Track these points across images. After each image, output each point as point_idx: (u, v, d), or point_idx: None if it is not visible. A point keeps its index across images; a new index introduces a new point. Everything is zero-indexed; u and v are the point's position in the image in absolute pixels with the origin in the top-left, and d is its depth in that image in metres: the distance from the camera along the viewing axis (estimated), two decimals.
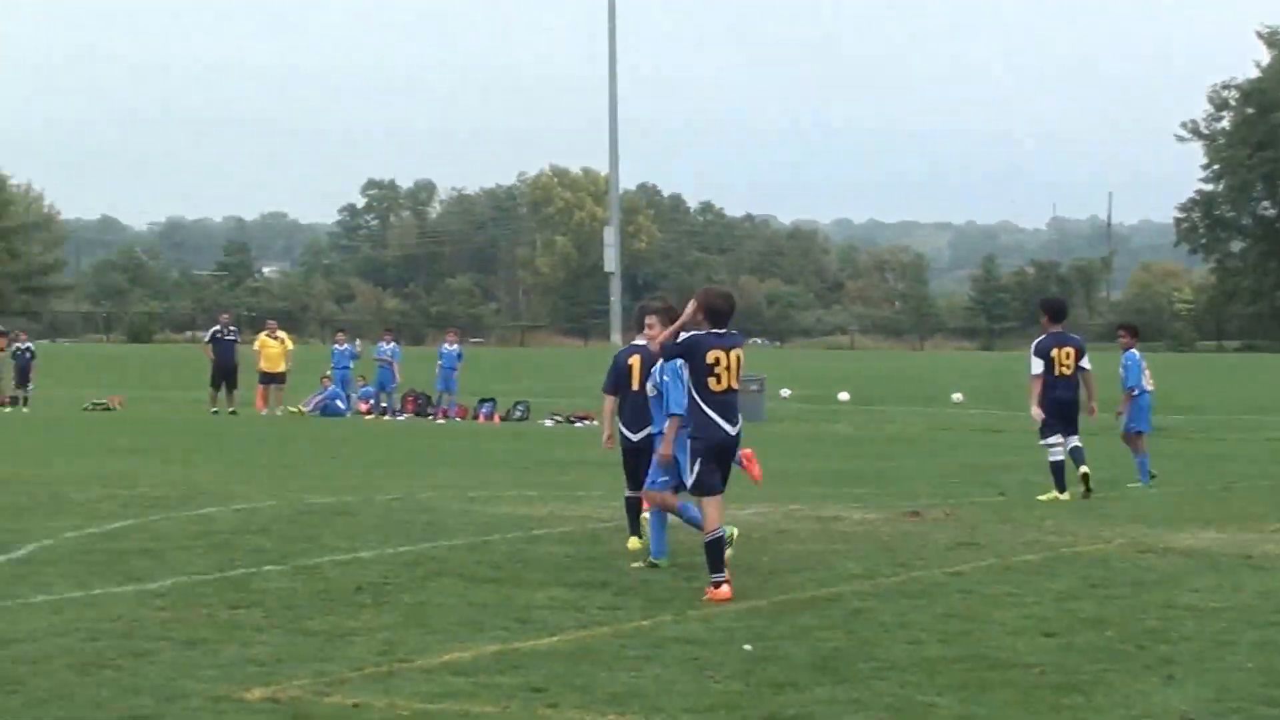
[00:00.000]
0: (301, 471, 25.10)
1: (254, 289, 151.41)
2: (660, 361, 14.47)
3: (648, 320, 15.24)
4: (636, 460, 15.31)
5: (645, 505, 15.05)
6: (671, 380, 14.34)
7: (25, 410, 42.41)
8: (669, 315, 14.73)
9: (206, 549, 15.85)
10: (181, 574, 14.24)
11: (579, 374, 58.59)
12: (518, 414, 43.28)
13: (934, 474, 26.28)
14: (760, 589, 13.81)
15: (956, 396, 49.18)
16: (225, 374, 42.68)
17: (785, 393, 50.22)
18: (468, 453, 29.92)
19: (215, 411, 41.93)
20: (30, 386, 43.83)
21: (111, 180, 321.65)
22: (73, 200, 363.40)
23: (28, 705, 9.50)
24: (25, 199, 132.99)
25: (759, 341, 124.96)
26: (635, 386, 15.36)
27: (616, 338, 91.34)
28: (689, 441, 13.72)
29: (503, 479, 24.01)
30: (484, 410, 43.05)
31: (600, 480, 23.18)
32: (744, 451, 14.28)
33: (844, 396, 50.19)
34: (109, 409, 43.74)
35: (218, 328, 44.18)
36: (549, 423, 41.46)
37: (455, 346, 43.97)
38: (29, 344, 45.11)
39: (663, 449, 14.34)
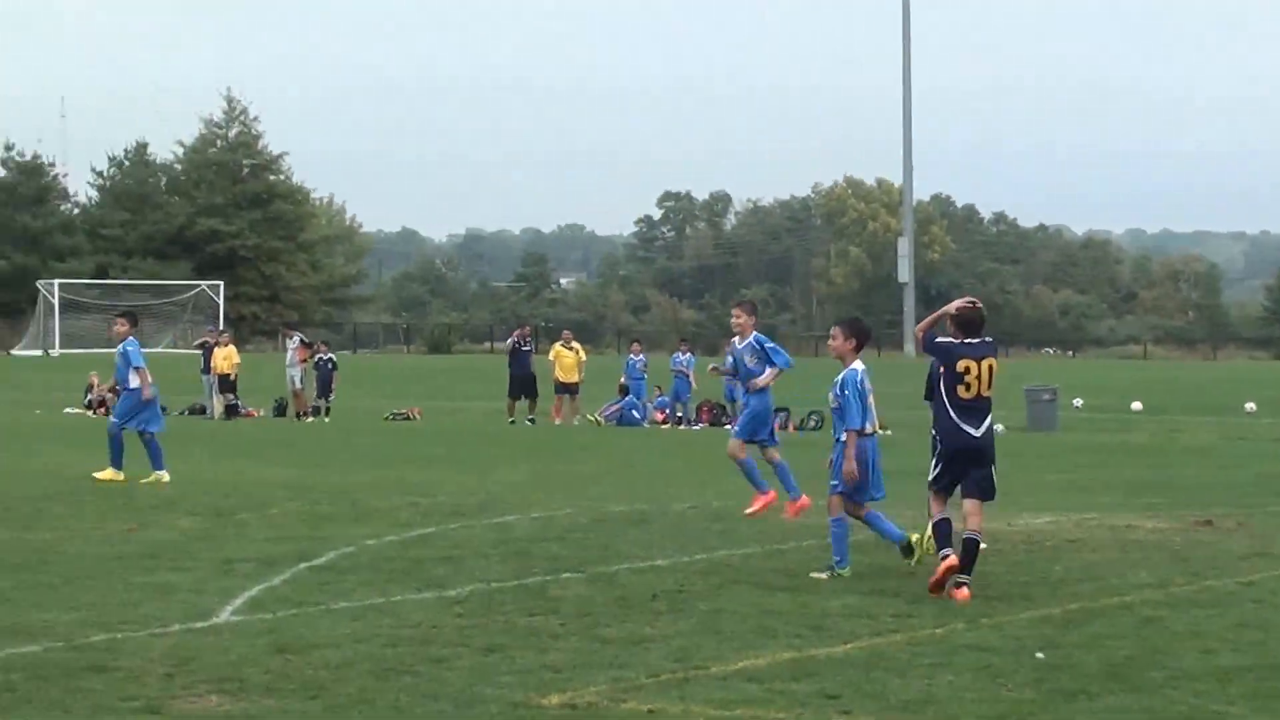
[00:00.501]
0: (598, 480, 25.36)
1: (551, 300, 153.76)
2: (841, 374, 15.19)
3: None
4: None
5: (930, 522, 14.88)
6: (851, 394, 14.95)
7: (326, 420, 43.57)
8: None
9: (504, 556, 16.10)
10: (480, 581, 14.48)
11: (872, 383, 58.08)
12: (812, 423, 43.24)
13: (1227, 484, 25.58)
14: (1052, 597, 13.74)
15: (1249, 406, 48.13)
16: (523, 384, 43.50)
17: (1077, 402, 49.44)
18: (761, 462, 29.86)
19: (512, 421, 42.63)
20: (331, 397, 44.99)
21: (412, 193, 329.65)
22: (374, 213, 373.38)
23: (329, 710, 9.74)
24: (328, 212, 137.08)
25: (1050, 351, 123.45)
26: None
27: (910, 348, 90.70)
28: (934, 443, 14.22)
29: (800, 488, 23.90)
30: (777, 420, 43.10)
31: (891, 490, 22.99)
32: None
33: (1137, 406, 49.46)
34: (409, 419, 44.70)
35: (515, 340, 45.11)
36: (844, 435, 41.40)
37: (688, 355, 44.13)
38: (330, 355, 46.33)
39: (845, 466, 14.84)
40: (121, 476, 23.39)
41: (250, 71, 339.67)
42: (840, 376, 15.17)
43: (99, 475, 23.54)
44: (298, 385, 45.41)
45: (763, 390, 18.21)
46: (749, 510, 18.44)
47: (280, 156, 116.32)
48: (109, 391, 19.14)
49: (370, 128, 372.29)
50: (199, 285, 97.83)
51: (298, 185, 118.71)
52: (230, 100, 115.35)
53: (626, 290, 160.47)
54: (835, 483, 15.10)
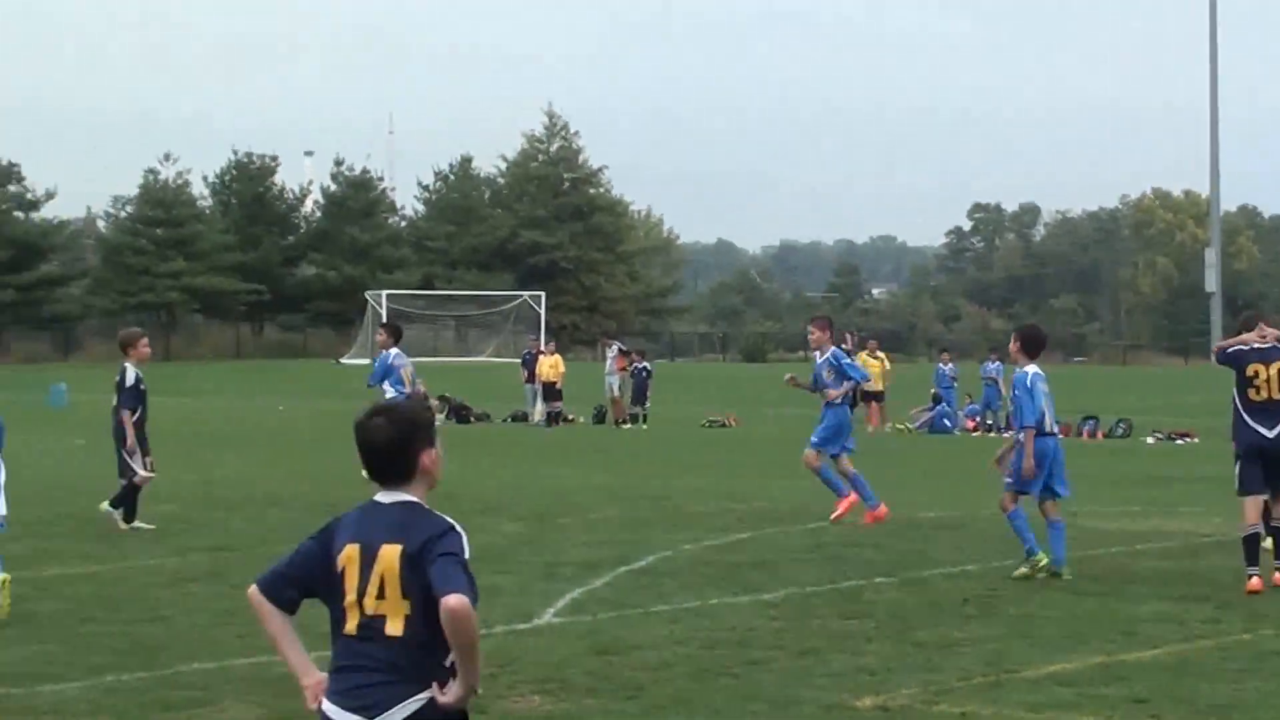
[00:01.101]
0: (909, 486, 25.37)
1: (863, 309, 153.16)
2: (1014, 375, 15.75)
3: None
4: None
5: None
6: (1022, 394, 15.26)
7: (644, 427, 44.19)
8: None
9: (818, 561, 16.28)
10: (794, 585, 14.67)
11: (1180, 392, 57.08)
12: (1119, 431, 42.61)
13: None
14: None
15: None
16: None
17: None
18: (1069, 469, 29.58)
19: None
20: (646, 404, 45.64)
21: (726, 205, 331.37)
22: (690, 225, 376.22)
23: (647, 711, 10.00)
24: (645, 224, 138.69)
25: None
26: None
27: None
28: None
29: (1106, 495, 23.70)
30: (1086, 427, 42.57)
31: (1202, 496, 22.64)
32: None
33: None
34: (725, 426, 45.08)
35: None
36: (1151, 440, 40.74)
37: (997, 364, 43.64)
38: (646, 364, 47.01)
39: (1025, 464, 15.18)
40: None
41: (570, 88, 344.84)
42: (1014, 378, 15.70)
43: None
44: (616, 393, 46.17)
45: (840, 403, 18.94)
46: (834, 515, 19.07)
47: (600, 170, 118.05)
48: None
49: (686, 142, 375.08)
50: (521, 296, 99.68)
51: (617, 198, 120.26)
52: (551, 116, 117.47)
53: (937, 300, 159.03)
54: (1009, 479, 15.41)
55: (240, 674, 11.08)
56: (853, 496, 19.09)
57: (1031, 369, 15.52)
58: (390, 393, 24.94)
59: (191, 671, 11.17)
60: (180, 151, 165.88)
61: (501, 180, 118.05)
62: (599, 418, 47.03)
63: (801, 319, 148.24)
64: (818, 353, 19.75)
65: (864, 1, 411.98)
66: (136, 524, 19.13)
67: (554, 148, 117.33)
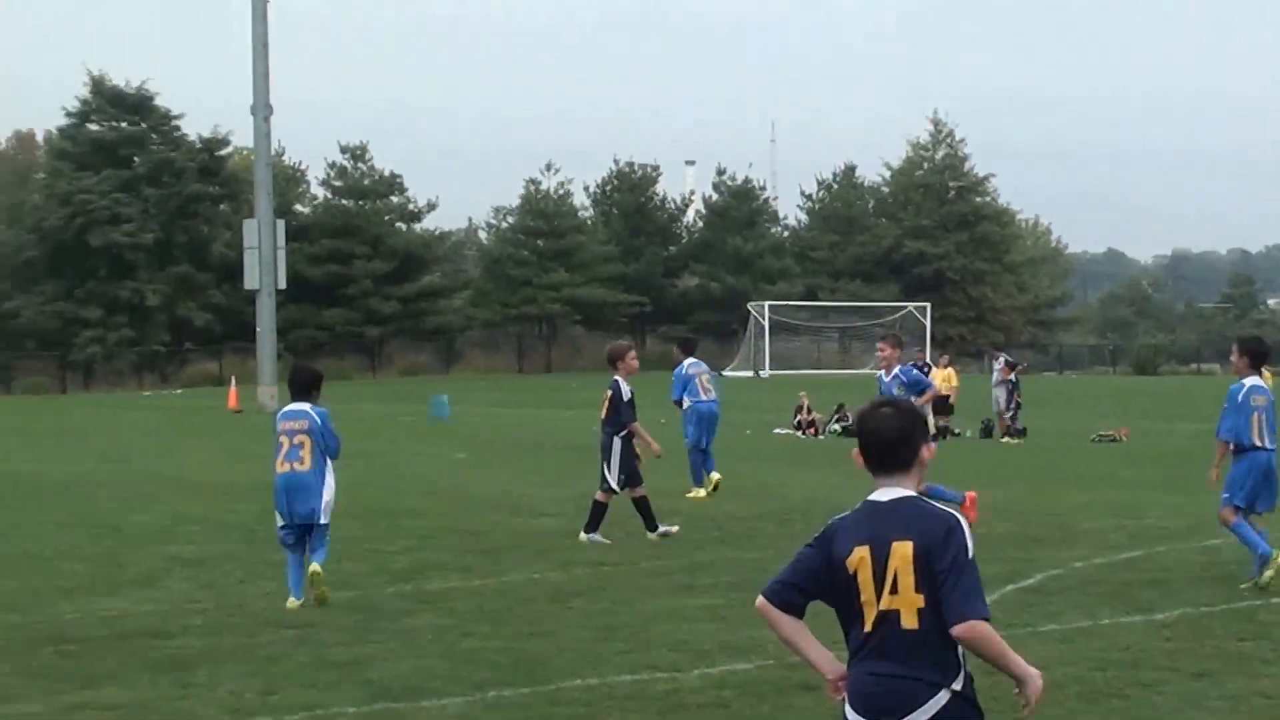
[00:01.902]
0: None
1: (1259, 321, 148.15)
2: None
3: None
4: None
5: None
6: (1229, 406, 15.33)
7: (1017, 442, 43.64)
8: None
9: (1213, 580, 15.90)
10: (1188, 605, 14.37)
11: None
12: None
13: None
14: None
15: None
16: None
17: None
18: None
19: None
20: (1008, 415, 45.20)
21: (1116, 215, 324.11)
22: (1079, 234, 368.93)
23: None
24: (1034, 234, 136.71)
25: None
26: None
27: None
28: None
29: None
30: None
31: None
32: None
33: None
34: (1115, 440, 44.17)
35: None
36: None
37: None
38: (1012, 376, 46.45)
39: (1210, 473, 15.71)
40: (702, 494, 24.61)
41: (955, 94, 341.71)
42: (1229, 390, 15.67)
43: (690, 495, 24.80)
44: (1002, 406, 45.67)
45: None
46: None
47: (986, 178, 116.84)
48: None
49: (1070, 149, 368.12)
50: (906, 307, 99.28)
51: (1004, 207, 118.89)
52: (936, 123, 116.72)
53: None
54: (1226, 494, 15.44)
55: (624, 691, 11.32)
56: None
57: (1250, 382, 15.41)
58: (687, 402, 25.87)
59: (574, 687, 11.43)
60: (561, 161, 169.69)
61: (885, 189, 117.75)
62: (986, 432, 46.57)
63: (1193, 330, 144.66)
64: (884, 371, 19.90)
65: None
66: (594, 536, 19.79)
67: (939, 155, 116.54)
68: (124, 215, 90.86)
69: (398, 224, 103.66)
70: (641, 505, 20.05)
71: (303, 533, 15.35)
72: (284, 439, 15.37)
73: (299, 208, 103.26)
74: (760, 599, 6.13)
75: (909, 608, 5.85)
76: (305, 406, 15.59)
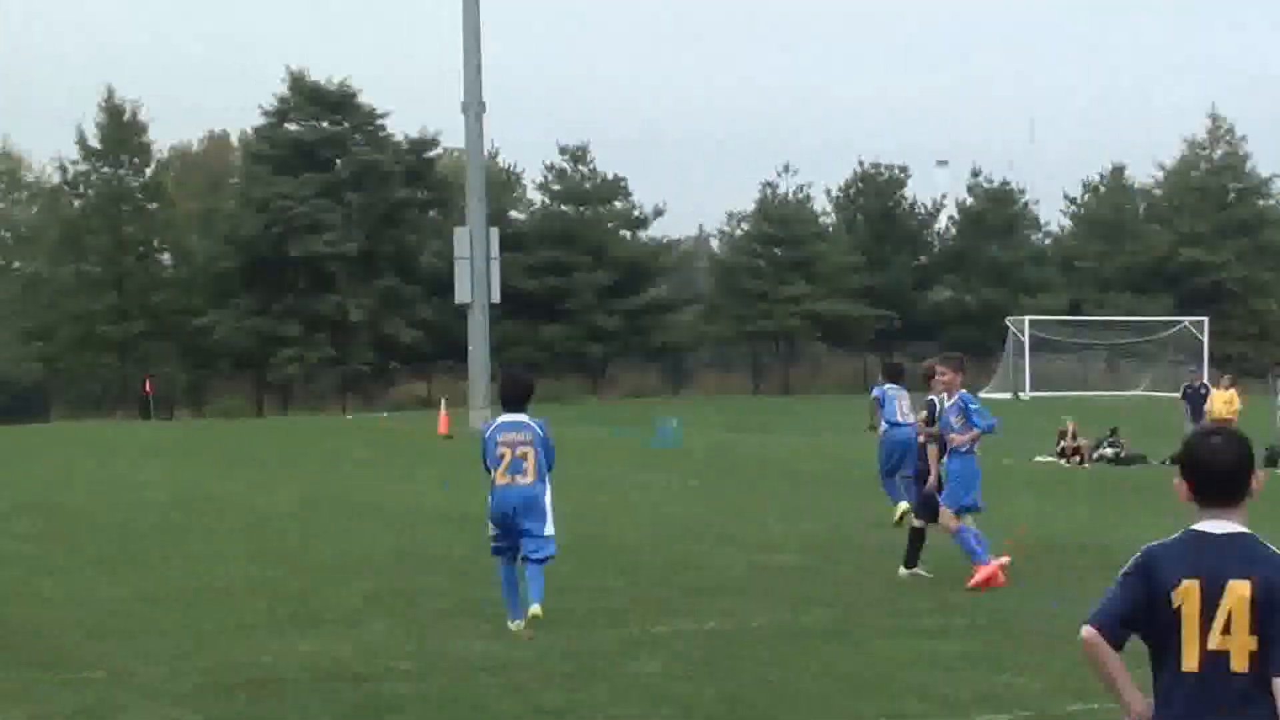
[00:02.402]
0: None
1: None
2: None
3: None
4: None
5: None
6: None
7: None
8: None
9: None
10: None
11: None
12: None
13: None
14: None
15: None
16: None
17: None
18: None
19: None
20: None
21: None
22: None
23: None
24: None
25: None
26: None
27: None
28: None
29: None
30: None
31: None
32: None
33: None
34: None
35: None
36: None
37: None
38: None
39: None
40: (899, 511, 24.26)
41: (1236, 85, 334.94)
42: None
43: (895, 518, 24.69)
44: None
45: (965, 452, 18.92)
46: (973, 581, 18.69)
47: (1270, 179, 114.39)
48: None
49: None
50: (1181, 322, 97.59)
51: None
52: (1215, 119, 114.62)
53: None
54: None
55: None
56: (1000, 561, 19.03)
57: None
58: (883, 426, 25.94)
59: None
60: (800, 162, 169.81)
61: (1158, 192, 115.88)
62: (1271, 460, 45.53)
63: None
64: (945, 396, 19.74)
65: None
66: (916, 571, 19.82)
67: (1217, 154, 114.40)
68: (325, 223, 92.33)
69: (621, 232, 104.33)
70: (916, 537, 19.96)
71: (516, 542, 16.16)
72: (505, 450, 16.14)
73: (514, 214, 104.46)
74: (1089, 630, 6.23)
75: (1241, 650, 6.01)
76: (525, 418, 16.32)
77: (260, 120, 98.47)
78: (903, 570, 19.87)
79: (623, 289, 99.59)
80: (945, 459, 19.56)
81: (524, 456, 16.12)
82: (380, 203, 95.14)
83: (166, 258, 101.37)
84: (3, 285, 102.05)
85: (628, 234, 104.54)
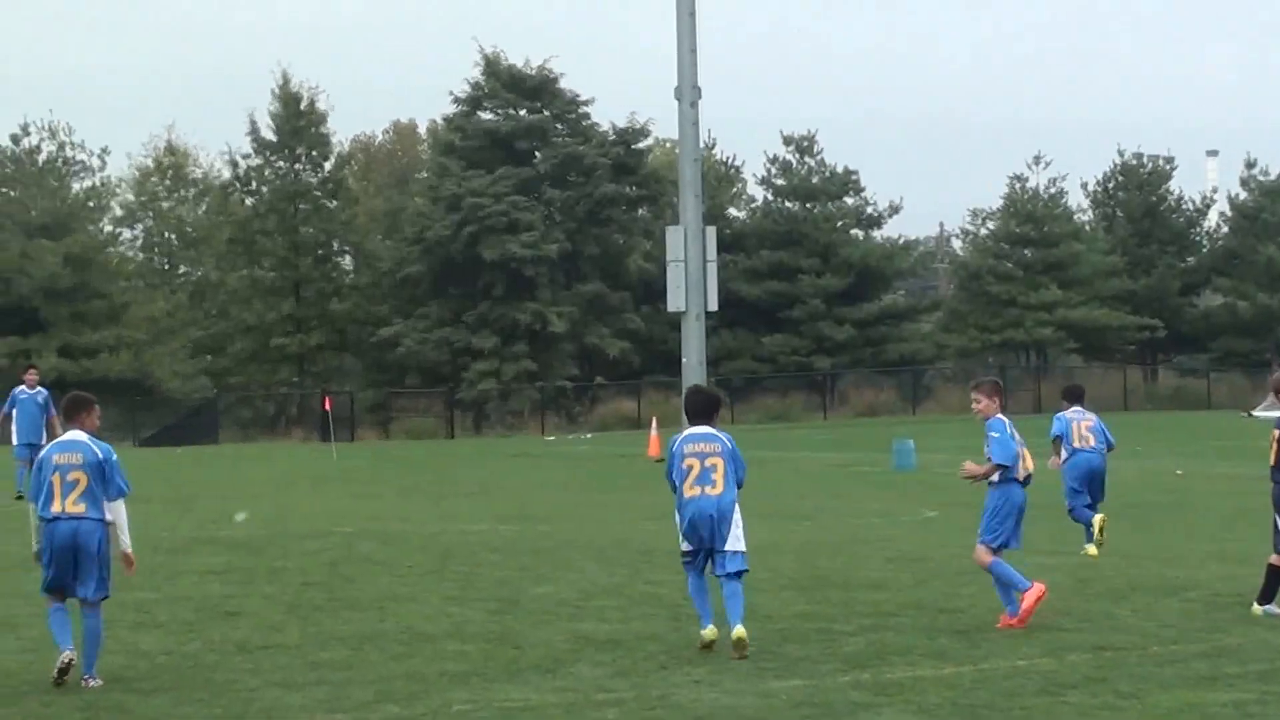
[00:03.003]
0: None
1: None
2: None
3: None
4: None
5: None
6: None
7: None
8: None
9: None
10: None
11: None
12: None
13: None
14: None
15: None
16: None
17: None
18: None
19: None
20: None
21: None
22: None
23: None
24: None
25: None
26: None
27: None
28: None
29: None
30: None
31: None
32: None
33: None
34: None
35: None
36: None
37: None
38: None
39: None
40: None
41: None
42: None
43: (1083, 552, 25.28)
44: None
45: (998, 485, 19.18)
46: (1010, 621, 18.96)
47: None
48: None
49: None
50: None
51: None
52: None
53: None
54: None
55: None
56: (1035, 590, 19.16)
57: None
58: (1063, 453, 27.36)
59: None
60: (1053, 153, 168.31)
61: None
62: None
63: None
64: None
65: None
66: (1269, 608, 19.80)
67: None
68: (523, 222, 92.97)
69: (853, 231, 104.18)
70: (1273, 575, 19.83)
71: (707, 556, 17.55)
72: (693, 461, 17.50)
73: (733, 212, 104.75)
74: None
75: None
76: (712, 429, 17.73)
77: (451, 108, 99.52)
78: (1257, 609, 19.83)
79: (854, 295, 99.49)
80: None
81: (714, 467, 17.44)
82: (584, 199, 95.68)
83: (347, 261, 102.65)
84: (168, 293, 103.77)
85: (860, 233, 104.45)
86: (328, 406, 73.57)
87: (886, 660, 17.10)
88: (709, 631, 17.47)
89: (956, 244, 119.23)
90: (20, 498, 35.16)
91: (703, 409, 17.96)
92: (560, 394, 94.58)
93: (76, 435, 16.33)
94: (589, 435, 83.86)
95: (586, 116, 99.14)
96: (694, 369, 60.43)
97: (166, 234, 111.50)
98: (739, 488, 17.58)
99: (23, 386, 40.37)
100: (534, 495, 42.25)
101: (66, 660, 15.83)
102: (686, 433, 17.80)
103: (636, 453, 61.30)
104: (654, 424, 64.74)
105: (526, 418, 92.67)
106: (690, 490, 17.39)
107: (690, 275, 59.75)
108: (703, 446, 17.53)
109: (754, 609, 18.78)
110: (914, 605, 20.96)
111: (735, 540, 17.39)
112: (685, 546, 17.69)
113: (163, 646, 18.28)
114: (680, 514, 17.60)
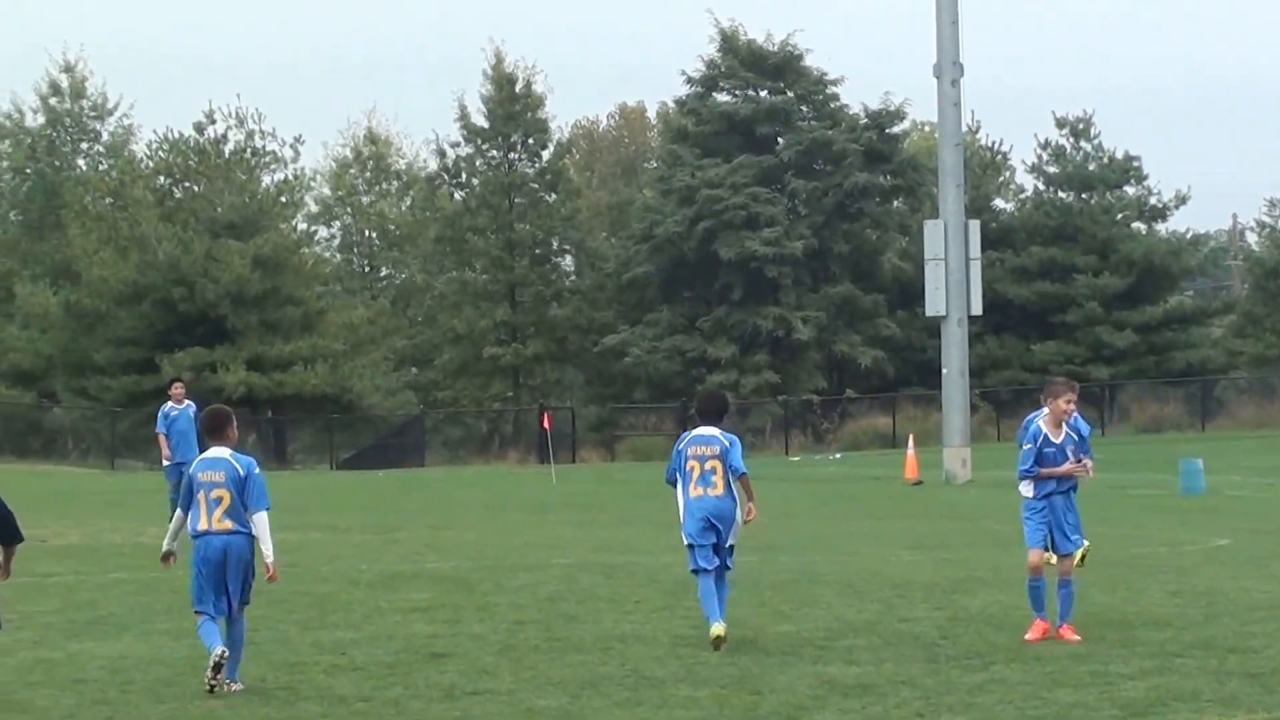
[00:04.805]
0: None
1: None
2: None
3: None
4: None
5: None
6: None
7: None
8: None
9: None
10: None
11: None
12: None
13: None
14: None
15: None
16: None
17: None
18: None
19: None
20: None
21: None
22: None
23: None
24: None
25: None
26: None
27: None
28: None
29: None
30: None
31: None
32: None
33: None
34: None
35: None
36: None
37: None
38: None
39: None
40: None
41: None
42: None
43: None
44: None
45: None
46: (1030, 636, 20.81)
47: None
48: None
49: None
50: None
51: None
52: None
53: None
54: None
55: None
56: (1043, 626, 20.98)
57: None
58: None
59: None
60: None
61: None
62: None
63: None
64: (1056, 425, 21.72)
65: None
66: None
67: None
68: (765, 217, 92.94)
69: (1135, 224, 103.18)
70: None
71: (714, 553, 20.29)
72: (694, 464, 20.24)
73: (999, 204, 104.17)
74: None
75: None
76: (715, 431, 20.44)
77: (684, 90, 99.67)
78: None
79: (1135, 296, 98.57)
80: None
81: (713, 470, 20.22)
82: (833, 191, 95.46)
83: (568, 262, 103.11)
84: (368, 299, 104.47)
85: (1142, 227, 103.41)
86: (546, 424, 74.02)
87: (1169, 706, 17.01)
88: (717, 627, 20.19)
89: (1252, 238, 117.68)
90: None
91: (710, 409, 20.82)
92: (806, 409, 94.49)
93: (219, 452, 18.03)
94: (838, 455, 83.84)
95: (835, 98, 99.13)
96: (955, 380, 60.22)
97: (367, 232, 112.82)
98: (737, 477, 20.33)
99: (171, 403, 40.93)
100: (775, 522, 42.27)
101: (219, 655, 17.50)
102: (692, 434, 20.63)
103: (891, 474, 61.23)
104: (910, 442, 64.47)
105: (768, 436, 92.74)
106: (694, 490, 20.24)
107: (951, 275, 59.58)
108: (703, 449, 20.32)
109: (1020, 651, 18.76)
110: (1201, 645, 20.82)
111: (730, 538, 20.47)
112: (689, 543, 20.42)
113: (360, 692, 18.48)
114: (685, 514, 20.40)
